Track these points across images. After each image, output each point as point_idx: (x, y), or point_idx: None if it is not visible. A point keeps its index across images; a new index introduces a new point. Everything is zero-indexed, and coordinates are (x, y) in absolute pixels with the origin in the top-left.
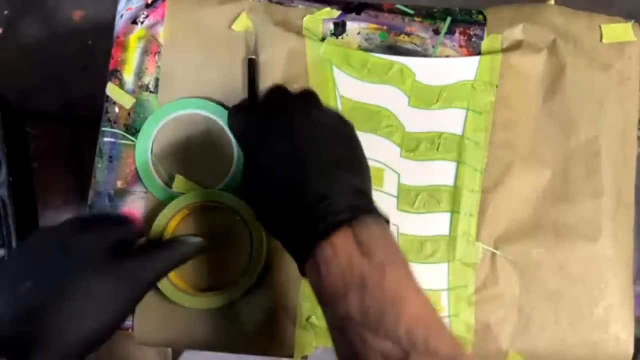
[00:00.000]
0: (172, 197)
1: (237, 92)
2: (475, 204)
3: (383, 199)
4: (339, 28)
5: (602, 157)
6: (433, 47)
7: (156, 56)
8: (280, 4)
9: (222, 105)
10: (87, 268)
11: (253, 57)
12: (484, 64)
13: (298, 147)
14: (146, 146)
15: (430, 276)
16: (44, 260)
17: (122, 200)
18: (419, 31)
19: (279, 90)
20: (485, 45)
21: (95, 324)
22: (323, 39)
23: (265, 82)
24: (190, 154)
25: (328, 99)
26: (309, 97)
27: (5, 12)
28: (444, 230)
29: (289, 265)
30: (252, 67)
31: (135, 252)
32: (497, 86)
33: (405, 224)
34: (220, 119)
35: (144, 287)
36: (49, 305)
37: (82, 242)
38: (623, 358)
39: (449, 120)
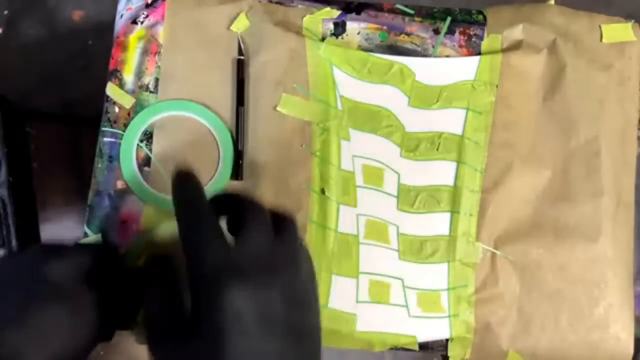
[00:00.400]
0: (149, 195)
1: (235, 92)
2: (475, 204)
3: (383, 199)
4: (339, 28)
5: (602, 157)
6: (433, 47)
7: (156, 56)
8: (280, 4)
9: (206, 106)
10: (48, 297)
11: (241, 57)
12: (484, 64)
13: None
14: (130, 148)
15: (430, 276)
16: (6, 286)
17: (122, 201)
18: (419, 31)
19: (263, 235)
20: (485, 45)
21: (52, 356)
22: (323, 39)
23: (265, 82)
24: (175, 156)
25: (328, 99)
26: (296, 246)
27: (5, 12)
28: (444, 230)
29: None
30: (240, 68)
31: (103, 284)
32: (497, 86)
33: (405, 224)
34: (206, 120)
35: (106, 324)
36: (4, 333)
37: (46, 270)
38: (623, 358)
39: (449, 120)
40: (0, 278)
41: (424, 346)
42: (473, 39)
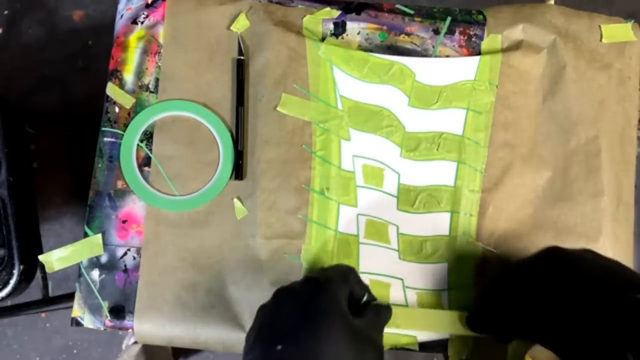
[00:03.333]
0: (149, 195)
1: (235, 92)
2: (475, 204)
3: (383, 199)
4: (339, 28)
5: (602, 157)
6: (433, 47)
7: (156, 56)
8: (280, 4)
9: (206, 106)
10: (331, 334)
11: (241, 57)
12: (484, 64)
13: None
14: (130, 148)
15: (430, 276)
16: (291, 324)
17: (122, 201)
18: (419, 31)
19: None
20: (485, 45)
21: None
22: (323, 39)
23: (265, 82)
24: (175, 156)
25: (328, 99)
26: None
27: (5, 12)
28: (444, 230)
29: (288, 265)
30: (240, 68)
31: (358, 311)
32: (497, 86)
33: (406, 224)
34: (206, 120)
35: (379, 350)
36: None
37: (321, 306)
38: None
39: (449, 120)
40: (284, 316)
41: (424, 346)
42: (473, 39)
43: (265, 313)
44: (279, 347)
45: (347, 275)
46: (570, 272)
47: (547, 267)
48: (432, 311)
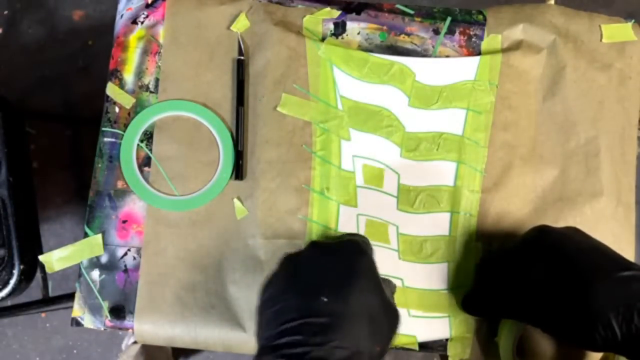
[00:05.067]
0: (149, 195)
1: (235, 92)
2: (475, 204)
3: (383, 199)
4: (339, 28)
5: (601, 157)
6: (433, 47)
7: (156, 56)
8: (280, 4)
9: (206, 106)
10: (373, 292)
11: (241, 57)
12: (484, 64)
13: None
14: (130, 148)
15: (430, 276)
16: (334, 279)
17: (122, 201)
18: (419, 31)
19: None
20: (485, 45)
21: (373, 346)
22: (323, 39)
23: (265, 82)
24: (175, 156)
25: (328, 99)
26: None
27: (5, 12)
28: (444, 230)
29: None
30: (240, 68)
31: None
32: (497, 86)
33: (405, 224)
34: (206, 120)
35: (398, 315)
36: (339, 323)
37: (364, 266)
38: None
39: (449, 120)
40: (326, 270)
41: (424, 346)
42: (473, 39)
43: (298, 264)
44: (324, 299)
45: (371, 246)
46: (557, 250)
47: (535, 245)
48: (428, 292)
